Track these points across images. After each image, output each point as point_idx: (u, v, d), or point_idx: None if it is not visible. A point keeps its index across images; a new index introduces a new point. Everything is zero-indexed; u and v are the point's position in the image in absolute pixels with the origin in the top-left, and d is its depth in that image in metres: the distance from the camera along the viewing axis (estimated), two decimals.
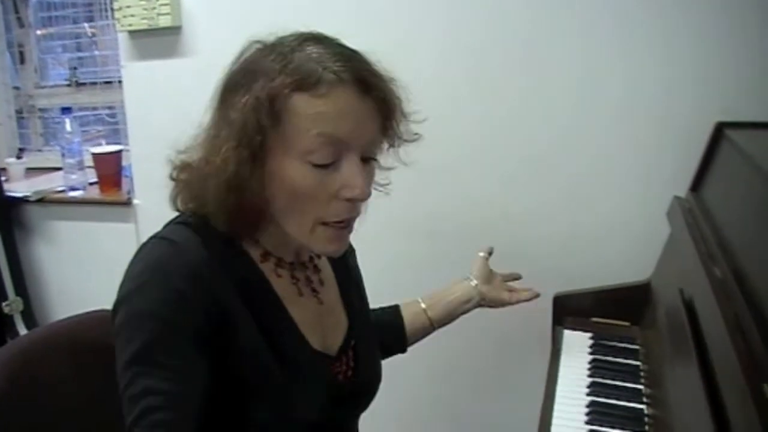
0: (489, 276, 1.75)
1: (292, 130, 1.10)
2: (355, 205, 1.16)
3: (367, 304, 1.53)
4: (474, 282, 1.71)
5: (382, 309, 1.67)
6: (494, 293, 1.73)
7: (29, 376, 1.36)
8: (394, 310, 1.68)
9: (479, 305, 1.71)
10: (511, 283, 1.80)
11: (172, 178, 1.24)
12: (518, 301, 1.74)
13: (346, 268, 1.46)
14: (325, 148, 1.10)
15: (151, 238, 1.15)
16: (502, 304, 1.74)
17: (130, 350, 1.07)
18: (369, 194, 1.16)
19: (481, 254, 1.77)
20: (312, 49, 1.13)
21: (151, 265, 1.11)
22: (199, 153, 1.18)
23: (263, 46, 1.17)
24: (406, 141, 1.25)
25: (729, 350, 1.04)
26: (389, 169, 1.30)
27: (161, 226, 1.24)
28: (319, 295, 1.32)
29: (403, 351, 1.67)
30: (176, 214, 1.24)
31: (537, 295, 1.76)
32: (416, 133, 1.27)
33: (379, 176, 1.27)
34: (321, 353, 1.26)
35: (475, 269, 1.73)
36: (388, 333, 1.63)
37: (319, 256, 1.36)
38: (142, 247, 1.14)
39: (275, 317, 1.20)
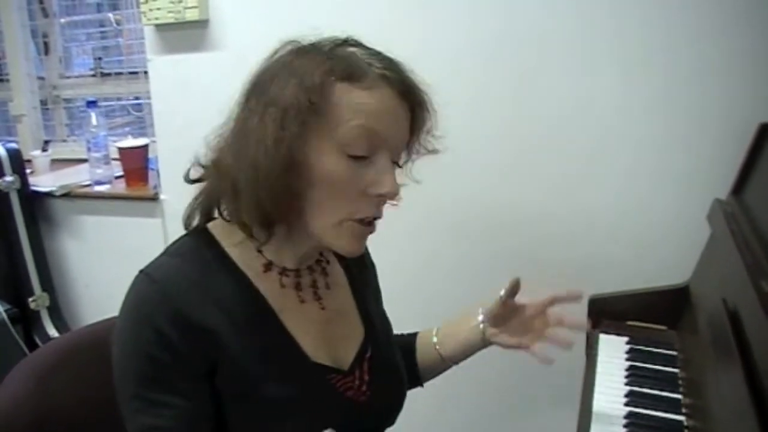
0: (503, 317, 1.48)
1: (334, 118, 1.11)
2: (381, 204, 1.16)
3: (383, 310, 1.50)
4: (480, 318, 1.50)
5: (399, 335, 1.57)
6: (501, 338, 1.48)
7: (58, 385, 1.36)
8: (409, 340, 1.59)
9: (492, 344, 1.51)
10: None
11: (190, 180, 1.25)
12: (532, 352, 1.43)
13: (360, 270, 1.45)
14: (363, 140, 1.11)
15: (140, 272, 1.16)
16: (516, 347, 1.46)
17: (125, 389, 1.12)
18: (398, 194, 1.16)
19: (501, 293, 1.46)
20: (354, 50, 1.16)
21: (134, 305, 1.13)
22: (232, 146, 1.17)
23: (299, 46, 1.18)
24: (425, 153, 1.27)
25: None
26: (401, 185, 1.28)
27: None
28: (323, 300, 1.29)
29: (419, 385, 1.58)
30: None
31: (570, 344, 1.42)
32: (435, 149, 1.28)
33: None
34: (322, 366, 1.23)
35: (489, 306, 1.49)
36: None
37: (327, 261, 1.35)
38: (134, 283, 1.15)
39: (271, 334, 1.19)
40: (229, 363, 1.12)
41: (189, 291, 1.12)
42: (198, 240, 1.22)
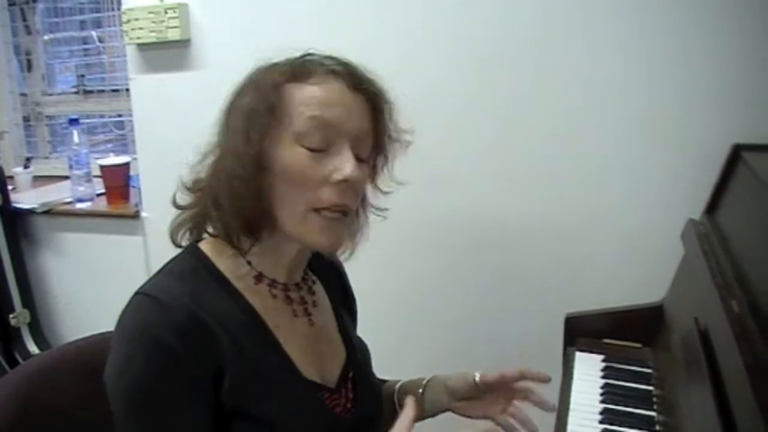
0: (475, 395, 1.43)
1: (287, 115, 1.18)
2: (345, 192, 1.18)
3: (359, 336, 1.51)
4: (420, 391, 1.48)
5: None
6: (467, 411, 1.45)
7: (38, 403, 1.35)
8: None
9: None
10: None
11: (178, 206, 1.29)
12: (497, 423, 1.42)
13: (341, 296, 1.49)
14: (317, 131, 1.17)
15: (137, 293, 1.16)
16: (482, 418, 1.45)
17: (128, 412, 1.11)
18: (359, 181, 1.21)
19: (476, 377, 1.42)
20: (312, 56, 1.24)
21: (134, 325, 1.13)
22: (212, 164, 1.24)
23: (265, 63, 1.25)
24: (398, 148, 1.32)
25: (748, 392, 1.03)
26: (386, 193, 1.36)
27: (168, 239, 1.28)
28: (312, 317, 1.32)
29: None
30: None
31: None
32: (406, 142, 1.33)
33: (376, 201, 1.36)
34: (314, 383, 1.25)
35: (458, 385, 1.44)
36: None
37: (314, 280, 1.39)
38: (129, 304, 1.15)
39: (266, 350, 1.21)
40: (230, 376, 1.13)
41: (187, 305, 1.12)
42: (190, 259, 1.24)
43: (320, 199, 1.17)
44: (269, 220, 1.20)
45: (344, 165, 1.16)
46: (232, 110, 1.22)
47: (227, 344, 1.14)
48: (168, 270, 1.23)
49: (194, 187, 1.27)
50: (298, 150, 1.16)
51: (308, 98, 1.17)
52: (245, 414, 1.15)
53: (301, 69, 1.20)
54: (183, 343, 1.09)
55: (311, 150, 1.16)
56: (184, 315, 1.11)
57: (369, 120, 1.23)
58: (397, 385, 1.52)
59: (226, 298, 1.20)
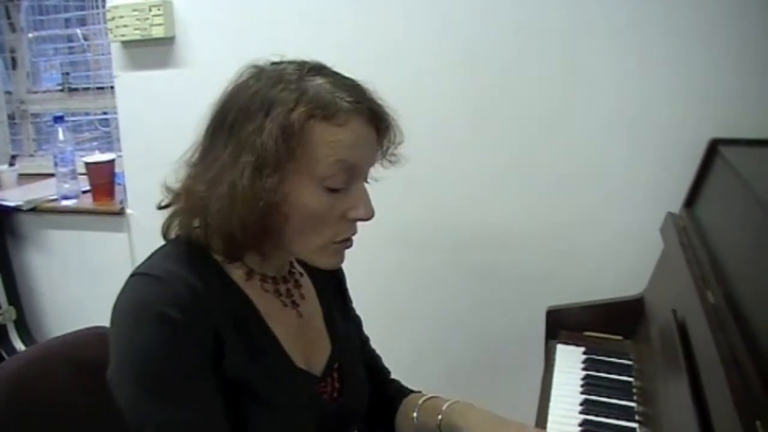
0: None
1: (311, 156, 1.14)
2: (357, 224, 1.22)
3: (355, 323, 1.54)
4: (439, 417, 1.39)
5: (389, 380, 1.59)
6: None
7: (26, 396, 1.35)
8: (393, 395, 1.55)
9: None
10: None
11: (162, 207, 1.25)
12: None
13: (329, 287, 1.47)
14: (341, 173, 1.16)
15: (134, 274, 1.15)
16: None
17: (134, 390, 1.09)
18: (373, 215, 1.22)
19: None
20: (319, 80, 1.16)
21: (134, 302, 1.12)
22: (205, 178, 1.17)
23: (264, 73, 1.17)
24: (388, 165, 1.30)
25: (722, 382, 1.05)
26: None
27: (154, 236, 1.25)
28: (299, 308, 1.33)
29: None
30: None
31: None
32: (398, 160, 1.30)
33: None
34: (304, 371, 1.27)
35: None
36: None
37: (301, 273, 1.40)
38: (126, 286, 1.15)
39: (260, 337, 1.22)
40: (228, 346, 1.14)
41: (183, 278, 1.12)
42: (185, 244, 1.22)
43: (338, 235, 1.20)
44: (262, 247, 1.20)
45: (362, 205, 1.19)
46: (236, 135, 1.14)
47: (224, 317, 1.15)
48: (162, 252, 1.22)
49: (182, 192, 1.21)
50: (319, 191, 1.15)
51: (335, 142, 1.13)
52: (245, 387, 1.16)
53: (324, 106, 1.13)
54: (184, 313, 1.08)
55: (332, 190, 1.16)
56: (182, 286, 1.10)
57: (378, 148, 1.24)
58: (420, 401, 1.47)
59: (220, 283, 1.20)
